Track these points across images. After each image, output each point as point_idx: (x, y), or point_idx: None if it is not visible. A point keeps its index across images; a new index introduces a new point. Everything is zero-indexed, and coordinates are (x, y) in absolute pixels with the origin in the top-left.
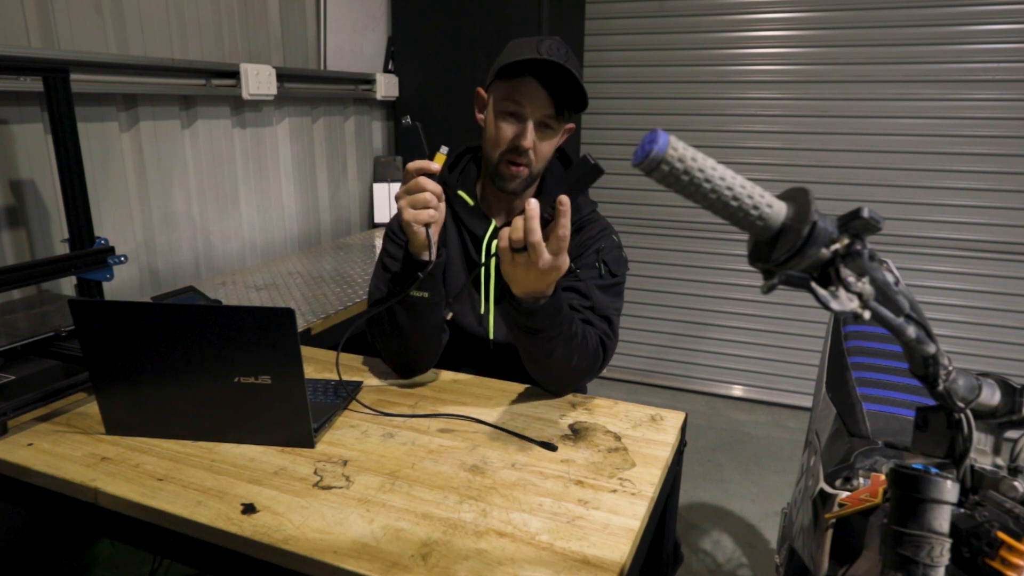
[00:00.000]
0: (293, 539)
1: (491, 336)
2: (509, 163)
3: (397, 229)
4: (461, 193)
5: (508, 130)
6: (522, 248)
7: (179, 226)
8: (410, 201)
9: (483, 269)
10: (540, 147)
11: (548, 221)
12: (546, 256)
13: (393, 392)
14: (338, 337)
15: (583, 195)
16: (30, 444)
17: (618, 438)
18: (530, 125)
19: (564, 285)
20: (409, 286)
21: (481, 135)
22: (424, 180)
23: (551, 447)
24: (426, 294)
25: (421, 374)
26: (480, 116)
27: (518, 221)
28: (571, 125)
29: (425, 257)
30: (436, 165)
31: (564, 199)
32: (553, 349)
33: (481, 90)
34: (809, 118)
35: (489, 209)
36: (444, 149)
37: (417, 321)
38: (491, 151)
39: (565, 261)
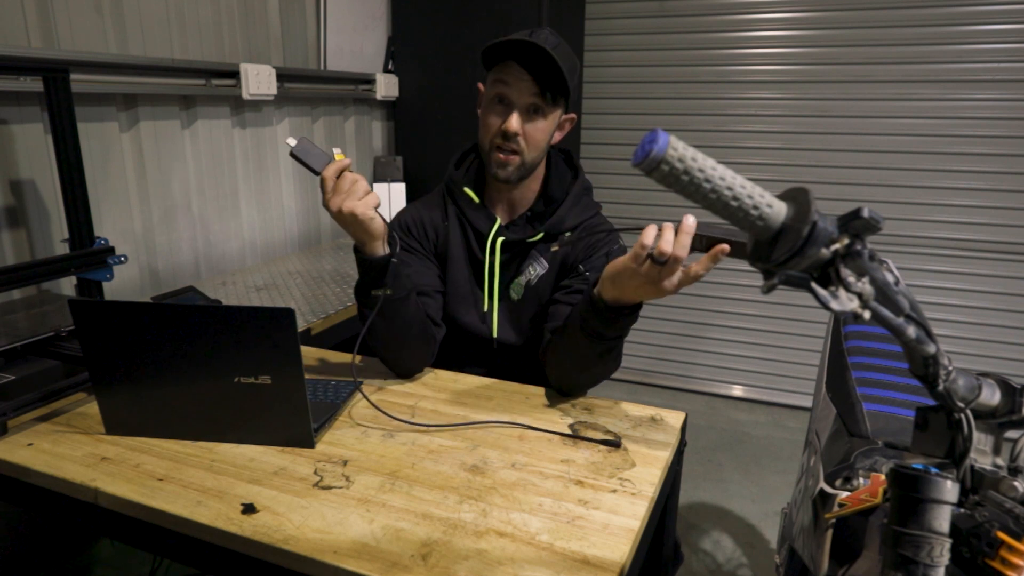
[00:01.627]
0: (293, 539)
1: (495, 335)
2: (499, 150)
3: (398, 228)
4: (467, 190)
5: (496, 117)
6: (661, 261)
7: (179, 226)
8: (351, 196)
9: (487, 267)
10: (530, 133)
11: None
12: (675, 280)
13: (393, 392)
14: (338, 337)
15: (587, 196)
16: (30, 444)
17: (618, 438)
18: (515, 110)
19: (574, 287)
20: (384, 286)
21: None
22: (350, 173)
23: (616, 444)
24: (389, 291)
25: (418, 372)
26: (480, 112)
27: (669, 232)
28: (572, 115)
29: (380, 252)
30: (347, 160)
31: (725, 247)
32: (609, 355)
33: (481, 86)
34: (809, 118)
35: (492, 205)
36: (337, 150)
37: (388, 319)
38: (483, 140)
39: (673, 289)
